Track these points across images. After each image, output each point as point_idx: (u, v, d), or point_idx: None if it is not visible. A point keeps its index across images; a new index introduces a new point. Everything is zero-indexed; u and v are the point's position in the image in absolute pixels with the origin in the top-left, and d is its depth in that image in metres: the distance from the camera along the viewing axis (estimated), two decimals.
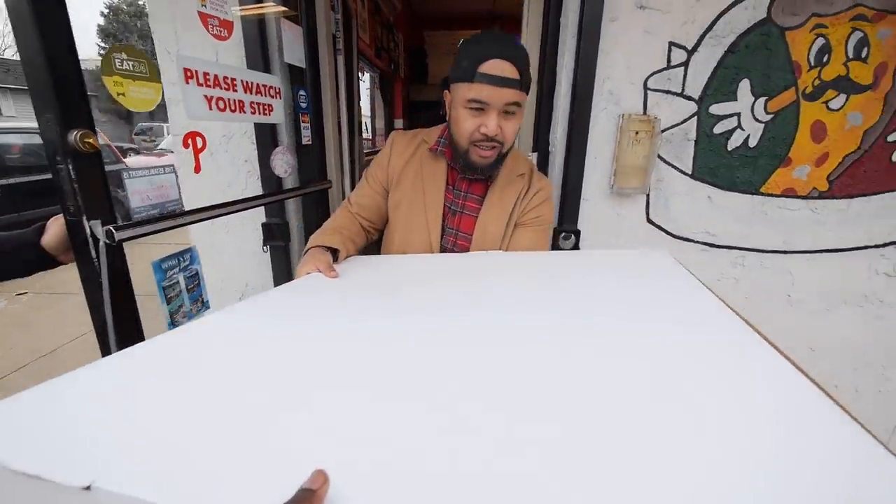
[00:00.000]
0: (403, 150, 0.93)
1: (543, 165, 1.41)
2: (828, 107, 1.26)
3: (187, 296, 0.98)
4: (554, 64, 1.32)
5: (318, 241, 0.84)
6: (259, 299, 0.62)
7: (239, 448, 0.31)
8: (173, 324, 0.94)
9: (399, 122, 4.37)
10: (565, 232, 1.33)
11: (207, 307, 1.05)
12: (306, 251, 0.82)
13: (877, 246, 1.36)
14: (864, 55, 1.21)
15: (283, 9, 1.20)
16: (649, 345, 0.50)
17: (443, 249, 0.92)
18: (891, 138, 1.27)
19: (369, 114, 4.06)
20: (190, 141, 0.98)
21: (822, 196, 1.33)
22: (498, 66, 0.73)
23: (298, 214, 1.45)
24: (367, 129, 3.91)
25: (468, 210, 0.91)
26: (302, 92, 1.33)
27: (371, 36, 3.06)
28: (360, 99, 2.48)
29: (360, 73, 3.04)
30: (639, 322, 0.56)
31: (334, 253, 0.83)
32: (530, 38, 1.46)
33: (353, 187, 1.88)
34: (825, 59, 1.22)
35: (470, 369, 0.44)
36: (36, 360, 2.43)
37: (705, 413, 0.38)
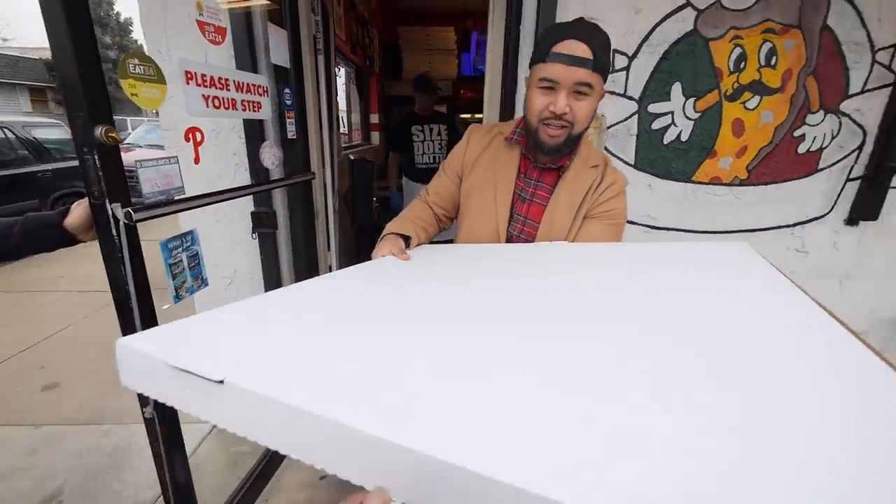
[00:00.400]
0: (480, 139, 0.96)
1: None
2: (745, 106, 1.47)
3: (189, 273, 1.10)
4: (515, 66, 1.48)
5: (393, 229, 0.90)
6: (347, 272, 0.76)
7: (340, 364, 0.43)
8: (178, 297, 1.06)
9: (374, 117, 4.45)
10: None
11: (206, 284, 1.17)
12: (382, 237, 0.90)
13: (788, 226, 1.60)
14: (773, 62, 1.43)
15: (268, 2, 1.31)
16: (736, 344, 0.48)
17: (509, 236, 0.91)
18: (796, 133, 1.50)
19: (345, 109, 4.14)
20: (191, 135, 1.09)
21: (742, 183, 1.55)
22: (571, 46, 0.74)
23: (284, 204, 1.57)
24: (343, 124, 3.99)
25: (538, 198, 0.90)
26: (287, 90, 1.45)
27: (347, 32, 3.15)
28: (337, 95, 2.58)
29: (337, 70, 3.13)
30: (720, 319, 0.54)
31: (407, 240, 0.90)
32: (494, 42, 1.62)
33: (333, 179, 2.00)
34: (742, 65, 1.44)
35: (530, 335, 0.50)
36: (16, 356, 2.44)
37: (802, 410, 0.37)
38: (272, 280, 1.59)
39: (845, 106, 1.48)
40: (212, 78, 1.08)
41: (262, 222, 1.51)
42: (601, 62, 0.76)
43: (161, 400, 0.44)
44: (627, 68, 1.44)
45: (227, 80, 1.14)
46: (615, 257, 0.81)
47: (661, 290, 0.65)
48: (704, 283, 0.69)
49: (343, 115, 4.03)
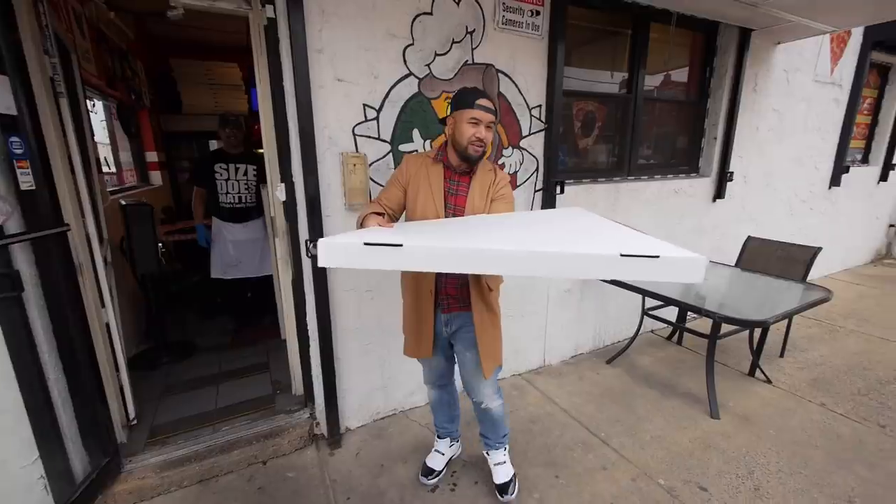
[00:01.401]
0: (413, 163, 1.47)
1: (291, 192, 1.78)
2: None
3: None
4: (285, 116, 1.71)
5: (368, 210, 1.35)
6: (363, 231, 1.21)
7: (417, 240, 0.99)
8: None
9: (153, 155, 3.97)
10: (314, 241, 1.74)
11: None
12: (365, 216, 1.31)
13: None
14: None
15: None
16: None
17: (447, 215, 1.45)
18: (500, 162, 2.18)
19: (110, 147, 3.58)
20: None
21: None
22: (486, 102, 1.37)
23: (31, 261, 1.40)
24: (107, 164, 3.46)
25: (461, 192, 1.45)
26: (15, 138, 1.32)
27: (99, 66, 2.81)
28: (93, 136, 2.31)
29: (91, 105, 2.74)
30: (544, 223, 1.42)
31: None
32: (264, 94, 1.82)
33: (98, 227, 1.83)
34: None
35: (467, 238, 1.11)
36: None
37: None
38: (23, 349, 1.37)
39: (523, 143, 2.24)
40: None
41: None
42: (496, 112, 1.41)
43: (351, 266, 0.92)
44: (377, 118, 1.84)
45: None
46: (509, 217, 1.45)
47: (528, 225, 1.38)
48: (550, 218, 1.53)
49: (107, 153, 3.50)
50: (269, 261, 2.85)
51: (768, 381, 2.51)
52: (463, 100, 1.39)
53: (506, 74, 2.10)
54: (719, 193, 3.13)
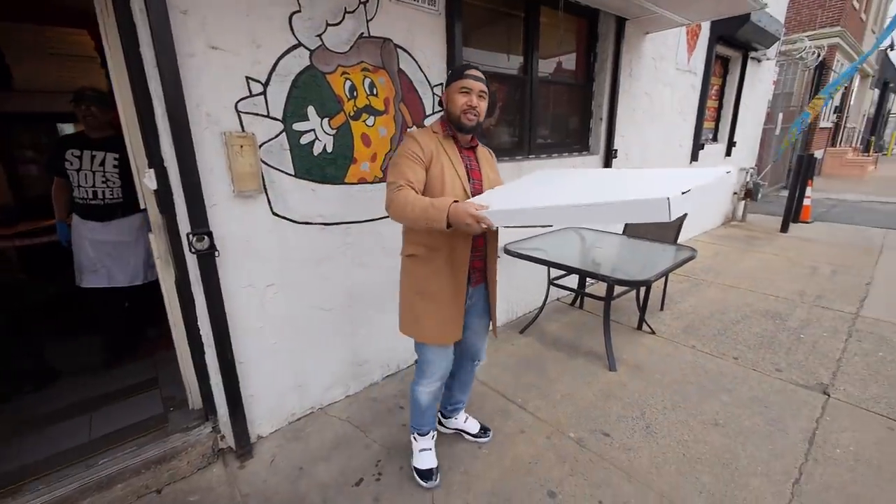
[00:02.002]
0: (426, 138, 1.42)
1: (164, 179, 1.53)
2: (366, 124, 1.97)
3: None
4: (146, 90, 1.45)
5: (446, 202, 1.21)
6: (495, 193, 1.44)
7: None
8: None
9: None
10: (197, 234, 1.52)
11: None
12: (451, 204, 1.19)
13: None
14: (375, 92, 1.97)
15: None
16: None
17: (470, 189, 1.45)
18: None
19: None
20: None
21: (380, 181, 2.07)
22: (475, 73, 1.40)
23: None
24: None
25: (473, 167, 1.50)
26: None
27: None
28: None
29: None
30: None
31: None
32: (116, 64, 1.52)
33: None
34: (355, 94, 1.91)
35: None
36: None
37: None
38: None
39: (427, 122, 2.20)
40: None
41: None
42: (487, 83, 1.43)
43: (675, 216, 0.96)
44: (264, 93, 1.65)
45: None
46: (520, 180, 1.67)
47: (571, 180, 1.53)
48: (554, 176, 1.63)
49: None
50: (146, 267, 2.47)
51: (652, 332, 2.87)
52: (453, 74, 1.44)
53: (405, 50, 2.03)
54: None
